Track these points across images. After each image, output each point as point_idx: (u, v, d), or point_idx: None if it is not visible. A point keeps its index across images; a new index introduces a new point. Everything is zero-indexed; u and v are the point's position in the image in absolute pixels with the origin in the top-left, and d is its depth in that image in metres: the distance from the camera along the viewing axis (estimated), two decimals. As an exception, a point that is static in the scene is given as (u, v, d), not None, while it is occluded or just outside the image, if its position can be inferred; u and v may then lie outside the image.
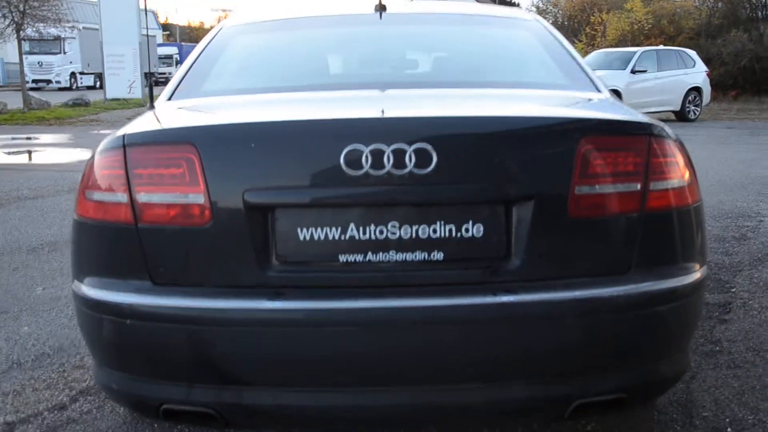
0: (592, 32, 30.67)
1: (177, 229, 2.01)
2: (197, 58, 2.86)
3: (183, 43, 49.91)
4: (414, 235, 1.97)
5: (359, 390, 2.03)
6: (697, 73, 17.98)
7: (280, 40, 3.15)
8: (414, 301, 1.95)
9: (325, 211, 2.00)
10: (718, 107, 20.84)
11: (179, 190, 2.00)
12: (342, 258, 1.98)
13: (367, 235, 1.97)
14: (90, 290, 2.09)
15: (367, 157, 1.92)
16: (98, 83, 32.26)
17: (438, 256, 1.99)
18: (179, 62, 40.20)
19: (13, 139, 14.27)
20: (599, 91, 2.60)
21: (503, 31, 3.23)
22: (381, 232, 1.97)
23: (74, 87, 35.83)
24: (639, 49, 18.32)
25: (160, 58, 35.10)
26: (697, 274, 2.13)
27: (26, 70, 24.19)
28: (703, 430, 2.66)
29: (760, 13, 26.94)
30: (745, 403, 2.85)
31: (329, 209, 2.00)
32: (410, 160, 1.92)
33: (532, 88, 2.64)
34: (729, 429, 2.66)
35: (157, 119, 2.32)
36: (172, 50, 44.20)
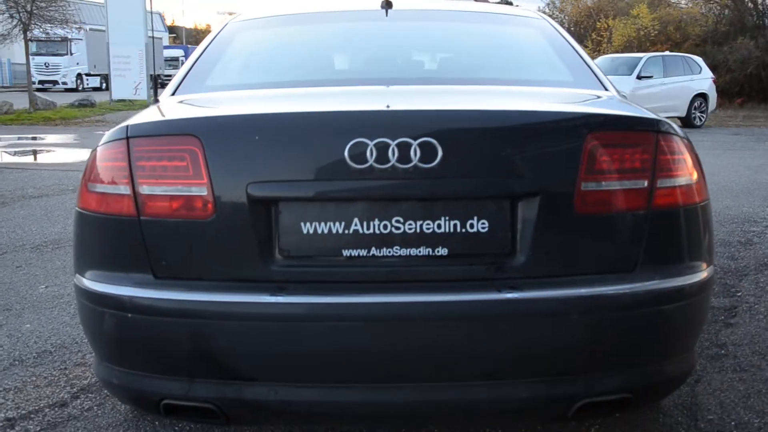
0: (598, 38, 30.69)
1: (179, 222, 2.00)
2: (202, 53, 2.85)
3: (189, 46, 50.01)
4: (418, 230, 1.96)
5: (362, 386, 2.02)
6: (704, 80, 17.97)
7: (285, 36, 3.14)
8: (417, 297, 1.94)
9: (329, 205, 1.98)
10: (724, 114, 20.79)
11: (182, 182, 1.98)
12: (345, 252, 1.97)
13: (371, 230, 1.96)
14: (91, 283, 2.08)
15: (371, 150, 1.90)
16: (104, 85, 32.32)
17: (442, 251, 1.97)
18: (185, 65, 40.21)
19: (19, 138, 14.31)
20: (606, 89, 2.59)
21: (510, 29, 3.22)
22: (385, 227, 1.95)
23: (80, 88, 35.95)
24: (645, 55, 18.31)
25: (166, 60, 35.15)
26: (704, 274, 2.11)
27: (33, 70, 24.28)
28: (708, 432, 2.64)
29: (766, 21, 26.88)
30: (751, 407, 2.83)
31: (333, 203, 1.99)
32: (415, 154, 1.90)
33: (539, 85, 2.63)
34: (734, 432, 2.64)
35: (161, 112, 2.30)
36: (178, 53, 44.30)
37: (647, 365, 2.09)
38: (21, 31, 20.34)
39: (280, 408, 2.05)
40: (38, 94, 22.72)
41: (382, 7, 3.04)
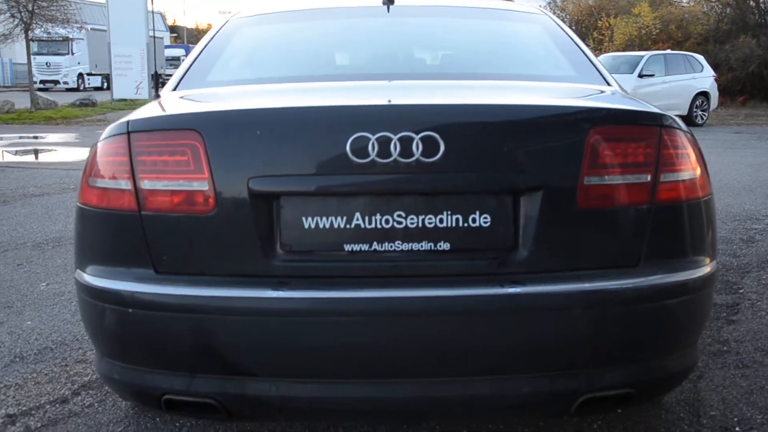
0: (600, 37, 30.67)
1: (181, 217, 1.99)
2: (203, 49, 2.84)
3: (190, 45, 50.01)
4: (420, 224, 1.95)
5: (363, 382, 2.00)
6: (705, 78, 17.94)
7: (287, 32, 3.13)
8: (419, 292, 1.93)
9: (331, 200, 1.98)
10: (725, 113, 20.77)
11: (183, 177, 1.97)
12: (347, 247, 1.96)
13: (373, 225, 1.95)
14: (92, 279, 2.07)
15: (373, 145, 1.89)
16: (105, 84, 32.38)
17: (444, 246, 1.96)
18: (186, 64, 40.21)
19: (21, 138, 14.31)
20: (609, 84, 2.58)
21: (512, 25, 3.21)
22: (387, 222, 1.95)
23: (81, 88, 36.00)
24: (647, 53, 18.30)
25: (167, 59, 35.18)
26: (707, 268, 2.10)
27: (34, 70, 24.28)
28: (710, 429, 2.63)
29: (768, 19, 26.87)
30: (754, 403, 2.82)
31: (335, 198, 1.98)
32: (417, 149, 1.89)
33: (542, 80, 2.61)
34: (737, 428, 2.63)
35: (162, 107, 2.30)
36: (179, 52, 44.27)
37: (650, 360, 2.08)
38: (22, 31, 20.37)
39: (281, 403, 2.04)
40: (39, 93, 22.75)
41: (384, 3, 3.04)
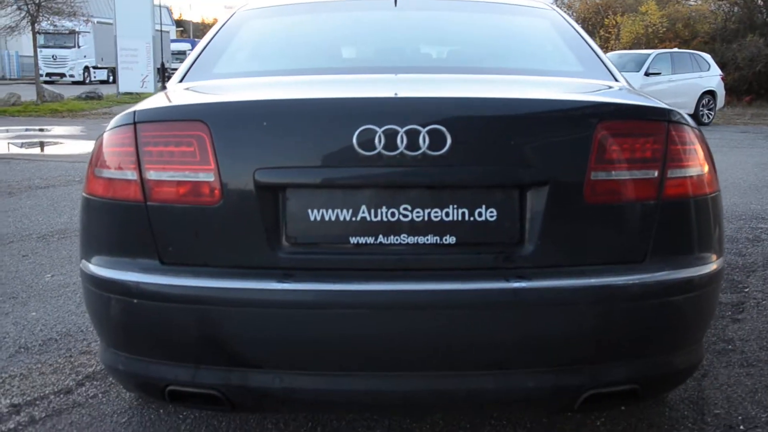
0: (606, 35, 30.54)
1: (186, 207, 1.99)
2: (210, 41, 2.84)
3: (196, 39, 50.01)
4: (426, 218, 1.94)
5: (368, 374, 2.00)
6: (712, 77, 17.89)
7: (293, 24, 3.13)
8: (425, 285, 1.92)
9: (337, 192, 1.97)
10: (732, 112, 20.70)
11: (189, 168, 1.97)
12: (353, 240, 1.96)
13: (379, 218, 1.94)
14: (97, 269, 2.07)
15: (380, 137, 1.89)
16: (111, 78, 32.38)
17: (450, 239, 1.95)
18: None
19: (26, 130, 14.35)
20: (617, 80, 2.57)
21: (519, 19, 3.20)
22: (393, 215, 1.94)
23: (87, 81, 36.02)
24: (653, 52, 18.22)
25: (173, 53, 35.22)
26: (713, 265, 2.09)
27: (40, 63, 24.34)
28: (714, 427, 2.62)
29: (776, 18, 26.76)
30: (758, 401, 2.81)
31: (341, 190, 1.97)
32: (424, 142, 1.89)
33: (549, 75, 2.61)
34: (741, 426, 2.62)
35: (168, 98, 2.29)
36: (185, 46, 44.27)
37: (655, 356, 2.07)
38: (29, 24, 20.38)
39: (285, 395, 2.03)
40: (46, 86, 22.80)
41: None
